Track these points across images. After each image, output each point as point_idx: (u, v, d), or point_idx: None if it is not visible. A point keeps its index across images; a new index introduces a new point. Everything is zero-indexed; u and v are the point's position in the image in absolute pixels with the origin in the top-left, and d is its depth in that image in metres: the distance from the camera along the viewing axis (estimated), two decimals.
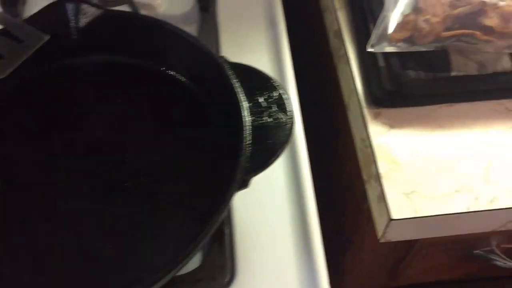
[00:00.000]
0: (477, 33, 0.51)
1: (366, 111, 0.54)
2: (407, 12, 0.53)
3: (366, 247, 0.61)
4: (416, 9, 0.53)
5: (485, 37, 0.51)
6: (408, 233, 0.50)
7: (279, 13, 0.62)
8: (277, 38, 0.60)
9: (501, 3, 0.51)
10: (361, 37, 0.58)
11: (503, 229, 0.52)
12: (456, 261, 0.66)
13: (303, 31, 0.77)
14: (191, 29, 0.59)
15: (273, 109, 0.44)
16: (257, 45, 0.60)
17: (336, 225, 0.71)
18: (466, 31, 0.51)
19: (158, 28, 0.47)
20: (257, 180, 0.41)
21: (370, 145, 0.52)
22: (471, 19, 0.52)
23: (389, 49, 0.53)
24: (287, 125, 0.43)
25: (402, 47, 0.53)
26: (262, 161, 0.41)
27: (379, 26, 0.53)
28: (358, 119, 0.55)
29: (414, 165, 0.51)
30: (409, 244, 0.59)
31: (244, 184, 0.41)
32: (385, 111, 0.54)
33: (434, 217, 0.48)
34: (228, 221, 0.48)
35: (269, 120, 0.44)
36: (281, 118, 0.44)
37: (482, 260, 0.64)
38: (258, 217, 0.48)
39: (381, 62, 0.54)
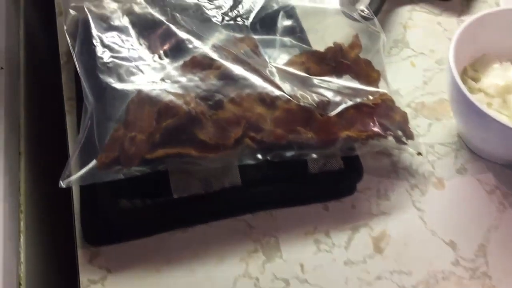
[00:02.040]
0: (185, 151, 0.43)
1: (80, 253, 0.45)
2: (116, 127, 0.44)
3: None
4: (125, 123, 0.44)
5: (199, 154, 0.43)
6: None
7: None
8: None
9: (197, 108, 0.43)
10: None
11: None
12: None
13: None
14: None
15: None
16: None
17: None
18: (172, 150, 0.43)
19: None
20: None
21: None
22: (183, 132, 0.43)
23: (89, 179, 0.43)
24: None
25: (110, 175, 0.43)
26: None
27: (76, 151, 0.44)
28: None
29: None
30: None
31: None
32: (105, 250, 0.45)
33: None
34: None
35: None
36: None
37: None
38: None
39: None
